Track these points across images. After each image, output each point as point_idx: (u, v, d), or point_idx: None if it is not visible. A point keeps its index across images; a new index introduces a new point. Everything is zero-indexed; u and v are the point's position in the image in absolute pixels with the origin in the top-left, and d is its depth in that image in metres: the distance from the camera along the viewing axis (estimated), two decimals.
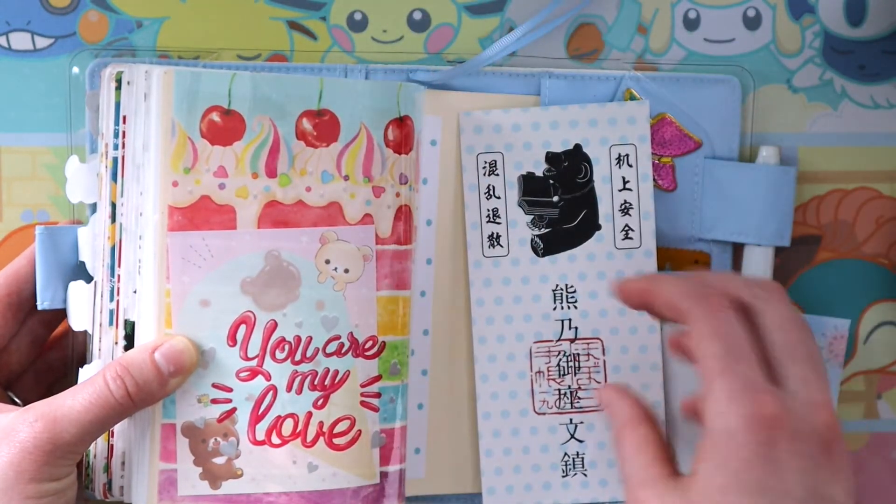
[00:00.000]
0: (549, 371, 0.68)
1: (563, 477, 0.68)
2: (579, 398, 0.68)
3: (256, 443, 0.62)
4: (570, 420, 0.68)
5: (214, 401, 0.62)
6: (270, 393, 0.62)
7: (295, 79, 0.62)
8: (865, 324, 0.71)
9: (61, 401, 0.58)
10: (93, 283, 0.63)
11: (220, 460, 0.62)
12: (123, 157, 0.61)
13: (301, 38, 0.68)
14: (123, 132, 0.61)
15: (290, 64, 0.67)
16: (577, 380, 0.68)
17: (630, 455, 0.57)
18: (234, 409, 0.62)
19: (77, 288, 0.63)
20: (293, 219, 0.62)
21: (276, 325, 0.62)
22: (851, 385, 0.72)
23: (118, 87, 0.61)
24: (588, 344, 0.68)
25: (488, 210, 0.67)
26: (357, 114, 0.62)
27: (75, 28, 0.67)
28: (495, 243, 0.67)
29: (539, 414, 0.68)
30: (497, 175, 0.67)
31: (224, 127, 0.61)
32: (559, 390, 0.68)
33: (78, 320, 0.63)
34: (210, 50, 0.67)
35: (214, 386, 0.61)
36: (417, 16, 0.68)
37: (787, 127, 0.70)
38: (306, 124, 0.62)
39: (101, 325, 0.62)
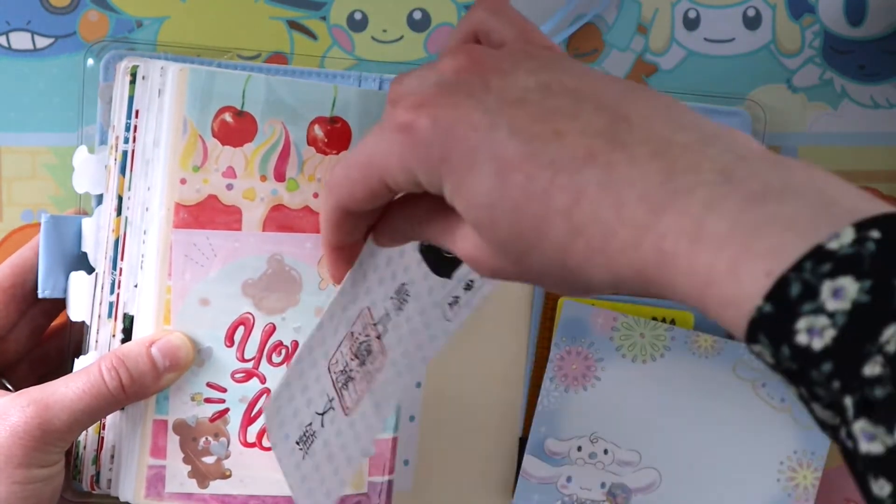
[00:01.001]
0: None
1: None
2: None
3: (247, 445, 0.62)
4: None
5: (208, 400, 0.62)
6: (264, 396, 0.62)
7: (309, 84, 0.62)
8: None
9: (54, 388, 0.58)
10: (94, 274, 0.63)
11: (209, 460, 0.62)
12: (133, 151, 0.61)
13: (301, 38, 0.68)
14: (135, 126, 0.61)
15: (299, 67, 0.67)
16: None
17: None
18: (226, 410, 0.62)
19: (78, 278, 0.63)
20: (298, 224, 0.62)
21: (274, 328, 0.62)
22: None
23: (132, 81, 0.61)
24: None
25: None
26: (370, 124, 0.62)
27: (75, 28, 0.67)
28: None
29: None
30: None
31: (236, 128, 0.61)
32: None
33: (77, 310, 0.63)
34: (210, 49, 0.67)
35: (209, 385, 0.62)
36: (417, 16, 0.69)
37: (787, 127, 0.70)
38: (318, 130, 0.62)
39: (99, 316, 0.62)
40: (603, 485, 0.69)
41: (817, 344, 0.37)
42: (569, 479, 0.68)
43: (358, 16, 0.68)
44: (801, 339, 0.38)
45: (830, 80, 0.70)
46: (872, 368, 0.37)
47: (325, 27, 0.68)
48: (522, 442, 0.69)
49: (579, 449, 0.68)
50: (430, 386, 0.68)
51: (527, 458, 0.68)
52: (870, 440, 0.37)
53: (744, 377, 0.67)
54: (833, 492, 0.73)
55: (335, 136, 0.62)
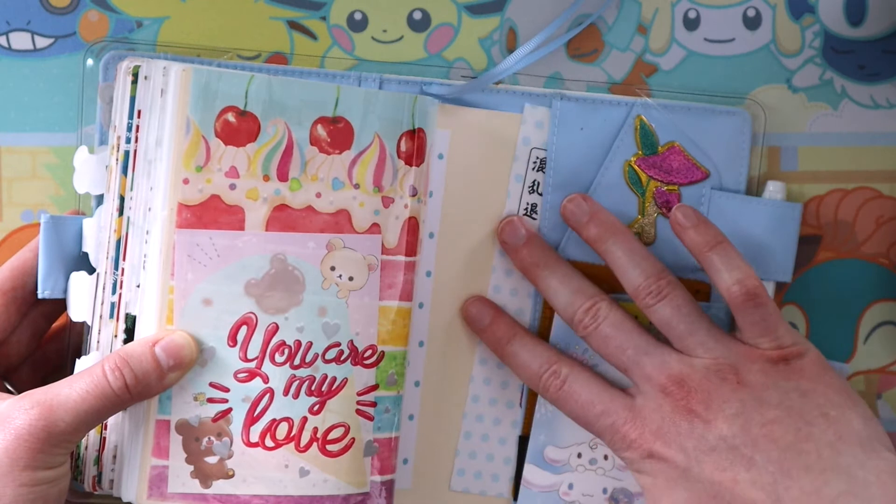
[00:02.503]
0: None
1: None
2: None
3: (250, 444, 0.62)
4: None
5: (211, 400, 0.62)
6: (267, 395, 0.62)
7: (312, 84, 0.62)
8: (865, 324, 0.72)
9: (58, 389, 0.58)
10: (95, 274, 0.63)
11: (212, 459, 0.62)
12: (135, 151, 0.61)
13: (301, 38, 0.68)
14: (137, 126, 0.61)
15: (300, 68, 0.67)
16: None
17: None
18: (229, 410, 0.62)
19: (78, 279, 0.63)
20: (301, 224, 0.62)
21: (277, 328, 0.62)
22: (851, 385, 0.72)
23: (134, 81, 0.61)
24: None
25: (528, 204, 0.68)
26: (371, 123, 0.62)
27: (75, 28, 0.67)
28: None
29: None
30: (544, 172, 0.68)
31: (239, 128, 0.61)
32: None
33: (77, 311, 0.63)
34: (210, 49, 0.67)
35: (212, 385, 0.62)
36: (417, 16, 0.69)
37: (787, 127, 0.70)
38: (321, 130, 0.62)
39: (101, 317, 0.62)
40: (605, 490, 0.69)
41: None
42: (570, 486, 0.68)
43: (358, 16, 0.68)
44: None
45: (830, 80, 0.70)
46: None
47: (325, 27, 0.68)
48: (522, 440, 0.69)
49: (579, 455, 0.69)
50: (429, 385, 0.68)
51: (527, 466, 0.69)
52: None
53: None
54: None
55: (338, 135, 0.62)
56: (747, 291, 0.62)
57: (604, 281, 0.68)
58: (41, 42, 0.67)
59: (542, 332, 0.68)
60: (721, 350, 0.63)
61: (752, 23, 0.70)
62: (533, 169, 0.68)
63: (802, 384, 0.62)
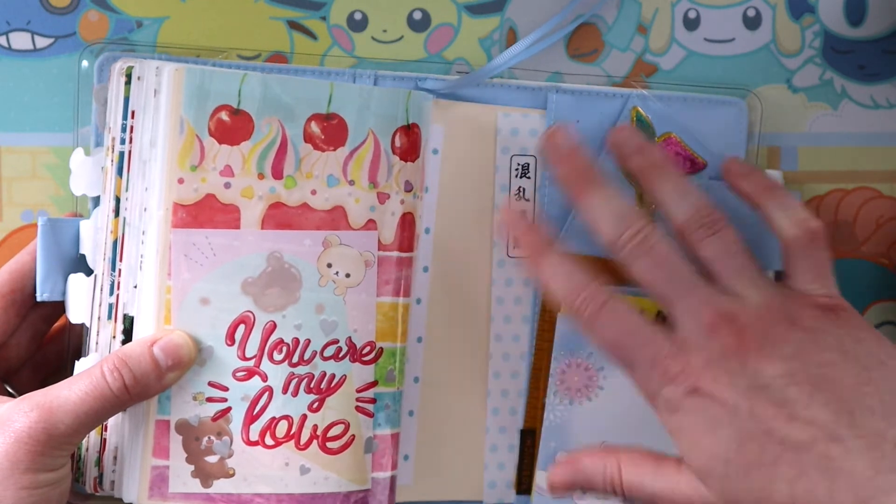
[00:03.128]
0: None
1: None
2: None
3: (250, 443, 0.62)
4: None
5: (210, 399, 0.62)
6: (266, 394, 0.62)
7: (305, 81, 0.62)
8: None
9: (57, 391, 0.58)
10: (93, 276, 0.63)
11: (212, 459, 0.62)
12: (130, 152, 0.61)
13: (301, 38, 0.68)
14: (131, 127, 0.61)
15: (297, 66, 0.67)
16: None
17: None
18: (229, 409, 0.62)
19: (76, 280, 0.63)
20: (297, 221, 0.62)
21: (275, 326, 0.62)
22: None
23: (128, 82, 0.61)
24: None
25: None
26: (365, 119, 0.62)
27: (75, 28, 0.67)
28: None
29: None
30: (528, 178, 0.68)
31: (232, 126, 0.61)
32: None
33: (76, 313, 0.63)
34: (210, 49, 0.67)
35: (211, 384, 0.62)
36: (417, 16, 0.69)
37: (787, 127, 0.70)
38: (314, 127, 0.62)
39: (99, 318, 0.62)
40: None
41: None
42: (584, 491, 0.68)
43: (358, 16, 0.68)
44: None
45: (830, 80, 0.70)
46: None
47: (325, 27, 0.68)
48: (524, 434, 0.69)
49: None
50: (428, 380, 0.68)
51: (538, 474, 0.68)
52: None
53: None
54: None
55: (332, 132, 0.62)
56: (811, 231, 0.60)
57: (607, 273, 0.68)
58: (41, 42, 0.67)
59: (542, 328, 0.68)
60: (773, 290, 0.60)
61: (752, 23, 0.70)
62: (516, 176, 0.68)
63: (854, 332, 0.58)
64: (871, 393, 0.56)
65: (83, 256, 0.63)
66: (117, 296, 0.62)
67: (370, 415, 0.63)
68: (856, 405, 0.55)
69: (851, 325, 0.59)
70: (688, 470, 0.58)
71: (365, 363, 0.63)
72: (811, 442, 0.55)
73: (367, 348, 0.63)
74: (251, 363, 0.62)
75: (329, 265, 0.62)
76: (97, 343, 0.62)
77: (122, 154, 0.61)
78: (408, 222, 0.64)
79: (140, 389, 0.59)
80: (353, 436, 0.63)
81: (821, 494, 0.54)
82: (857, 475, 0.53)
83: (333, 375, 0.62)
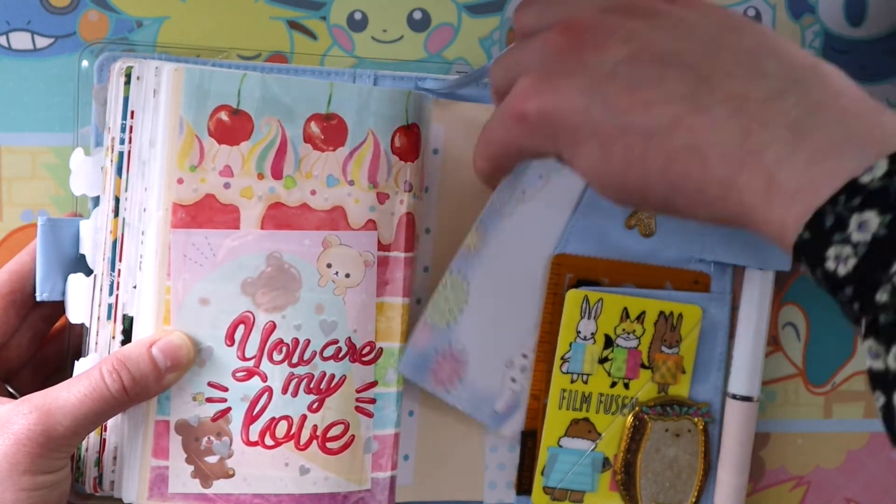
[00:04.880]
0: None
1: None
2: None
3: (249, 443, 0.62)
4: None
5: (209, 399, 0.62)
6: (266, 394, 0.62)
7: (305, 82, 0.62)
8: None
9: (56, 393, 0.58)
10: (92, 276, 0.63)
11: (212, 459, 0.62)
12: (129, 152, 0.61)
13: (301, 38, 0.68)
14: (130, 127, 0.61)
15: (297, 66, 0.67)
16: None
17: None
18: (228, 409, 0.62)
19: (76, 280, 0.63)
20: (296, 221, 0.62)
21: (274, 326, 0.62)
22: (851, 385, 0.72)
23: (127, 82, 0.61)
24: None
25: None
26: (365, 119, 0.62)
27: (75, 28, 0.66)
28: None
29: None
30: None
31: (232, 126, 0.61)
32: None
33: (76, 313, 0.63)
34: (210, 49, 0.67)
35: (210, 385, 0.61)
36: (417, 15, 0.69)
37: None
38: (314, 128, 0.62)
39: (98, 318, 0.62)
40: None
41: (842, 270, 0.44)
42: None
43: (358, 16, 0.68)
44: (830, 265, 0.44)
45: None
46: (881, 296, 0.43)
47: (325, 27, 0.68)
48: (524, 435, 0.69)
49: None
50: None
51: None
52: (874, 358, 0.43)
53: None
54: (834, 491, 0.73)
55: (331, 132, 0.62)
56: None
57: (605, 275, 0.68)
58: (41, 42, 0.66)
59: (542, 327, 0.68)
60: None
61: None
62: None
63: (700, 9, 0.53)
64: (727, 58, 0.50)
65: (83, 256, 0.63)
66: (117, 296, 0.62)
67: (370, 415, 0.63)
68: (712, 72, 0.50)
69: (695, 4, 0.53)
70: None
71: (365, 363, 0.63)
72: (673, 122, 0.49)
73: (367, 348, 0.63)
74: (251, 363, 0.62)
75: (329, 265, 0.62)
76: (97, 343, 0.62)
77: (121, 154, 0.61)
78: (408, 222, 0.64)
79: (139, 391, 0.59)
80: (353, 436, 0.63)
81: (696, 174, 0.49)
82: (726, 143, 0.48)
83: (333, 376, 0.62)
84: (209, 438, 0.62)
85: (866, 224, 0.43)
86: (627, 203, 0.52)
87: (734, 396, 0.69)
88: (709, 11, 0.52)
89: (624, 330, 0.69)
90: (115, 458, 0.62)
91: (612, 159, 0.50)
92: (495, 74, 0.56)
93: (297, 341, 0.62)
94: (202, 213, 0.61)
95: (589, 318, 0.68)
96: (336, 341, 0.62)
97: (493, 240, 0.67)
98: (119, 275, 0.62)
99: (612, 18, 0.52)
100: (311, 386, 0.62)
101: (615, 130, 0.50)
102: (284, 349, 0.62)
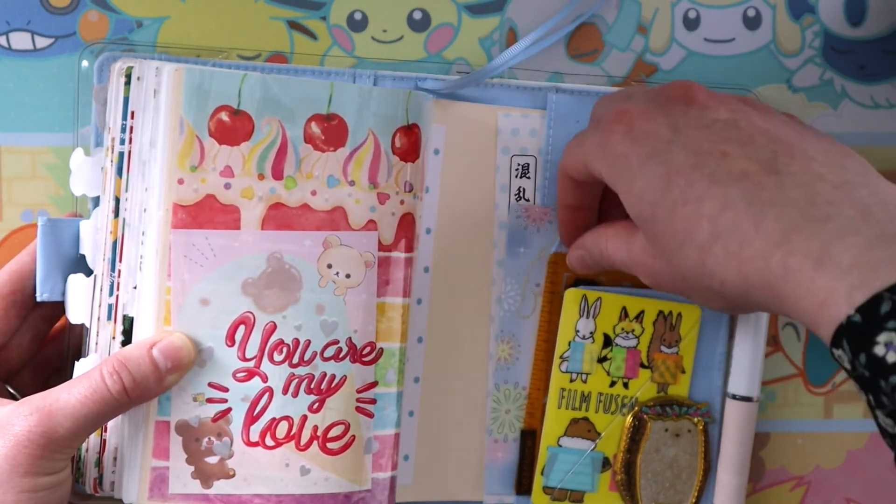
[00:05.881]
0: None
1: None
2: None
3: (250, 444, 0.62)
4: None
5: (210, 400, 0.62)
6: (266, 394, 0.62)
7: (305, 82, 0.62)
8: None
9: (57, 394, 0.57)
10: (92, 276, 0.62)
11: (212, 460, 0.62)
12: (130, 153, 0.61)
13: (301, 38, 0.68)
14: (131, 127, 0.61)
15: (297, 66, 0.67)
16: None
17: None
18: (229, 409, 0.62)
19: (76, 281, 0.63)
20: (297, 222, 0.62)
21: (275, 326, 0.62)
22: (851, 385, 0.72)
23: (127, 83, 0.61)
24: None
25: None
26: (365, 120, 0.62)
27: (75, 28, 0.66)
28: None
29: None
30: (529, 178, 0.68)
31: (232, 127, 0.61)
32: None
33: (76, 313, 0.63)
34: (210, 49, 0.67)
35: (211, 385, 0.61)
36: (417, 16, 0.68)
37: None
38: (315, 128, 0.62)
39: (99, 319, 0.62)
40: None
41: (891, 357, 0.43)
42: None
43: (358, 16, 0.68)
44: (879, 350, 0.44)
45: (830, 80, 0.70)
46: None
47: (325, 27, 0.68)
48: (524, 434, 0.69)
49: None
50: (429, 381, 0.68)
51: None
52: None
53: None
54: (834, 491, 0.73)
55: (332, 133, 0.62)
56: None
57: (602, 274, 0.68)
58: (41, 42, 0.66)
59: (541, 325, 0.68)
60: None
61: (752, 23, 0.70)
62: (516, 176, 0.68)
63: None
64: (812, 146, 0.53)
65: (83, 257, 0.63)
66: (117, 296, 0.62)
67: (370, 415, 0.63)
68: (797, 150, 0.52)
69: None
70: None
71: (365, 364, 0.63)
72: (742, 175, 0.51)
73: (368, 349, 0.63)
74: (251, 364, 0.62)
75: (329, 266, 0.62)
76: (97, 344, 0.62)
77: (121, 154, 0.61)
78: (408, 223, 0.64)
79: (140, 392, 0.59)
80: (354, 436, 0.63)
81: (745, 227, 0.50)
82: (789, 206, 0.49)
83: (334, 376, 0.62)
84: (210, 439, 0.62)
85: None
86: (664, 248, 0.54)
87: (734, 396, 0.69)
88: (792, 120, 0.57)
89: (623, 329, 0.69)
90: (115, 458, 0.62)
91: (671, 192, 0.53)
92: (564, 158, 0.62)
93: (297, 342, 0.62)
94: (202, 214, 0.61)
95: (588, 317, 0.68)
96: (336, 342, 0.62)
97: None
98: (119, 275, 0.61)
99: (727, 99, 0.56)
100: (312, 386, 0.62)
101: (685, 167, 0.53)
102: (285, 349, 0.62)
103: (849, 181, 0.50)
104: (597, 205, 0.65)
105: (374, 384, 0.63)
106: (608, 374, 0.69)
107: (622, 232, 0.60)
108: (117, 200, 0.61)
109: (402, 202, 0.63)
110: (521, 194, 0.68)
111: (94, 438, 0.62)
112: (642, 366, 0.69)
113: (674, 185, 0.52)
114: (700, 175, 0.52)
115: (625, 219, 0.60)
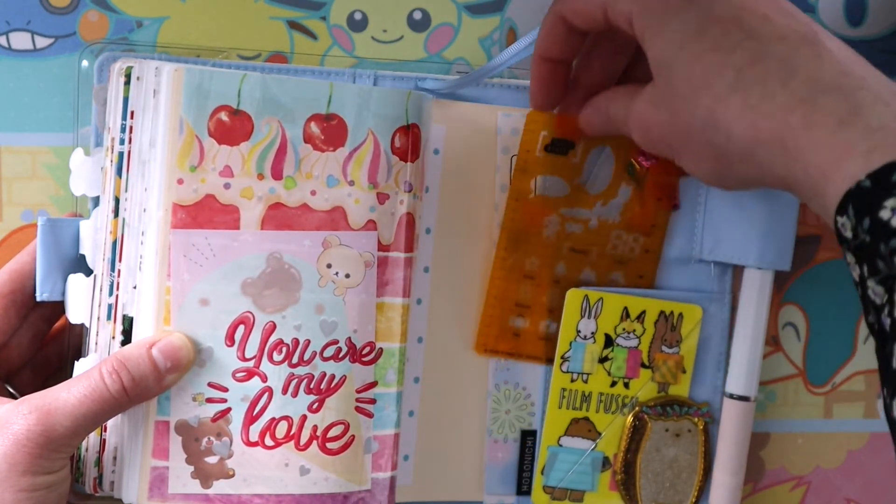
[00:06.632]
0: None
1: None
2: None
3: (250, 444, 0.62)
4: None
5: (210, 400, 0.62)
6: (266, 394, 0.62)
7: (305, 82, 0.62)
8: (865, 324, 0.71)
9: (56, 394, 0.58)
10: (92, 276, 0.63)
11: (212, 460, 0.62)
12: (129, 153, 0.61)
13: (301, 38, 0.68)
14: (130, 127, 0.61)
15: (297, 66, 0.67)
16: None
17: None
18: (228, 409, 0.62)
19: (76, 281, 0.63)
20: (297, 222, 0.62)
21: (274, 326, 0.62)
22: (851, 385, 0.73)
23: (127, 83, 0.61)
24: None
25: None
26: (365, 120, 0.62)
27: (75, 28, 0.66)
28: None
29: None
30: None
31: (232, 127, 0.61)
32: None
33: (76, 313, 0.63)
34: (210, 49, 0.67)
35: (210, 385, 0.61)
36: (417, 16, 0.68)
37: None
38: (314, 128, 0.62)
39: (98, 319, 0.62)
40: None
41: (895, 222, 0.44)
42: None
43: (358, 16, 0.68)
44: (884, 214, 0.44)
45: None
46: None
47: (325, 27, 0.68)
48: (525, 434, 0.69)
49: None
50: (428, 381, 0.68)
51: None
52: None
53: None
54: (834, 491, 0.73)
55: (331, 133, 0.62)
56: None
57: (594, 244, 0.68)
58: (41, 42, 0.66)
59: (507, 213, 0.68)
60: None
61: None
62: None
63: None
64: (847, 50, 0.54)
65: (83, 257, 0.63)
66: (117, 296, 0.62)
67: (370, 415, 0.63)
68: (835, 40, 0.53)
69: None
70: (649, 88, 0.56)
71: (365, 364, 0.63)
72: (780, 38, 0.51)
73: (367, 349, 0.63)
74: (251, 364, 0.62)
75: (329, 266, 0.62)
76: (97, 343, 0.62)
77: (121, 154, 0.61)
78: (408, 222, 0.64)
79: (139, 392, 0.59)
80: (353, 436, 0.63)
81: (772, 83, 0.50)
82: (822, 70, 0.50)
83: (333, 376, 0.62)
84: (209, 439, 0.62)
85: None
86: (675, 96, 0.53)
87: (731, 396, 0.69)
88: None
89: (624, 329, 0.69)
90: (115, 458, 0.62)
91: (705, 37, 0.52)
92: (564, 2, 0.59)
93: (297, 341, 0.62)
94: (202, 214, 0.61)
95: (589, 318, 0.68)
96: (336, 341, 0.62)
97: None
98: (119, 275, 0.62)
99: None
100: (311, 386, 0.62)
101: (725, 16, 0.52)
102: (284, 349, 0.62)
103: (879, 74, 0.51)
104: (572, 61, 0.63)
105: (373, 384, 0.63)
106: (609, 374, 0.69)
107: (622, 91, 0.60)
108: (117, 200, 0.61)
109: (402, 202, 0.63)
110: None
111: (93, 438, 0.62)
112: (643, 366, 0.69)
113: (709, 32, 0.52)
114: (738, 27, 0.51)
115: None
